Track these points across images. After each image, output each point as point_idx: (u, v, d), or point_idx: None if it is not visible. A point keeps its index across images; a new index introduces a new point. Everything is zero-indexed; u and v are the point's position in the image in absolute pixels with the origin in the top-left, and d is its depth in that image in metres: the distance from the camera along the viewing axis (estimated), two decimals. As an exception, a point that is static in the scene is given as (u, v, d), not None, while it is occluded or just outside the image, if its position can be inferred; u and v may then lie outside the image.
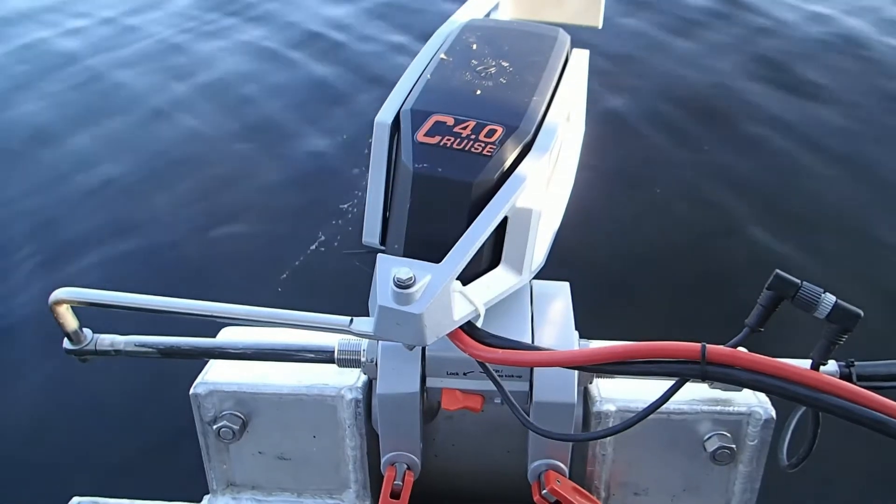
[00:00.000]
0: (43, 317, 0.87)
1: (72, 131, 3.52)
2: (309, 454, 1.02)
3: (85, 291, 0.84)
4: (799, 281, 0.67)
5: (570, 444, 0.93)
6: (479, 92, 0.81)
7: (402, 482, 0.91)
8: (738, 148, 3.33)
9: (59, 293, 0.84)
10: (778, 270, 0.68)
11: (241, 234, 2.90)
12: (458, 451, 1.03)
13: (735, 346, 0.69)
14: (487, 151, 0.74)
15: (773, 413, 0.93)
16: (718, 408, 0.94)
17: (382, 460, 0.93)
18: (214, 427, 0.98)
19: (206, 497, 1.04)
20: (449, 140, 0.75)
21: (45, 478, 1.96)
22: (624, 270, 2.73)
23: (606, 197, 2.97)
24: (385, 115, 0.79)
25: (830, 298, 0.66)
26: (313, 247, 2.77)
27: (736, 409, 0.94)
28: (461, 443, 1.02)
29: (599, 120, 3.36)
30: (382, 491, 0.91)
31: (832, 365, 0.87)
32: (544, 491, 0.90)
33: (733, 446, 0.94)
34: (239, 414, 0.98)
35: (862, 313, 0.66)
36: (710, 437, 0.95)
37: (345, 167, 3.20)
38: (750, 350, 0.68)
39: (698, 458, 0.97)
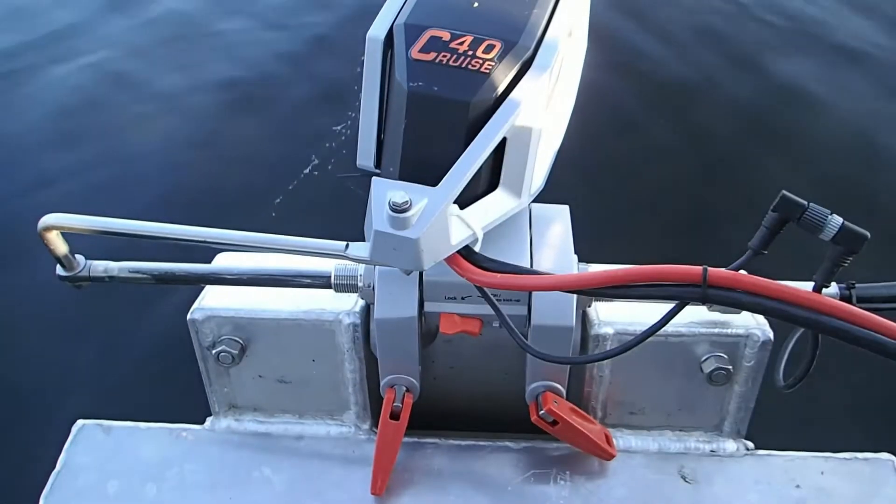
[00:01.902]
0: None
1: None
2: (309, 378, 1.03)
3: (75, 217, 0.82)
4: (805, 202, 0.66)
5: (568, 366, 0.93)
6: (476, 5, 0.76)
7: (402, 404, 0.92)
8: (743, 74, 3.24)
9: (48, 219, 0.82)
10: (784, 192, 0.67)
11: (232, 158, 2.85)
12: (456, 374, 1.04)
13: (737, 269, 0.68)
14: (485, 68, 0.71)
15: (771, 335, 0.94)
16: (716, 330, 0.95)
17: (381, 383, 0.94)
18: (213, 352, 0.98)
19: (209, 419, 1.06)
20: (445, 56, 0.71)
21: (49, 401, 2.00)
22: (627, 193, 2.71)
23: (610, 118, 2.91)
24: (377, 30, 0.75)
25: (837, 220, 0.65)
26: (306, 171, 2.73)
27: (734, 331, 0.94)
28: (460, 366, 1.03)
29: (604, 40, 3.26)
30: (382, 412, 0.92)
31: (832, 287, 0.87)
32: (542, 411, 0.91)
33: (730, 367, 0.95)
34: (237, 339, 0.99)
35: (869, 235, 0.65)
36: (706, 359, 0.96)
37: (336, 86, 3.11)
38: (752, 274, 0.67)
39: (694, 379, 0.98)
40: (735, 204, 2.59)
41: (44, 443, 1.11)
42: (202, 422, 1.06)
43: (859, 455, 0.98)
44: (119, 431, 1.03)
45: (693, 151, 2.88)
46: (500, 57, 0.71)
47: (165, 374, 1.98)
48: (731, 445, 1.01)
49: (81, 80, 3.26)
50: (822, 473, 0.97)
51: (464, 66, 0.71)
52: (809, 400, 1.91)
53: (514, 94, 0.71)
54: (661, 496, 0.94)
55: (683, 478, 0.97)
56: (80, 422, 1.04)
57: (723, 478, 0.97)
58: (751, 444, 1.01)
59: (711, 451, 1.01)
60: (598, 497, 0.94)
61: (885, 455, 0.99)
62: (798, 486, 0.95)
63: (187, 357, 1.02)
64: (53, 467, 0.98)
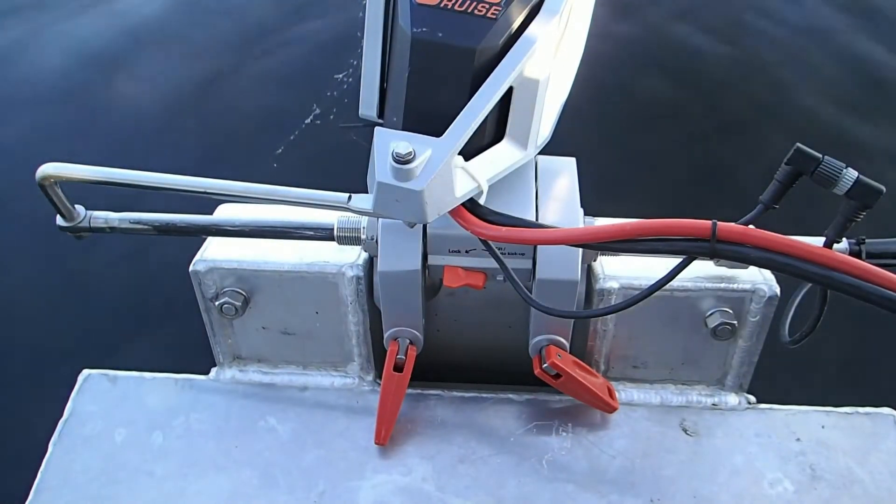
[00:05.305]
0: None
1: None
2: (312, 330, 1.03)
3: (73, 167, 0.81)
4: (820, 155, 0.65)
5: (572, 320, 0.93)
6: None
7: (405, 356, 0.93)
8: (758, 29, 3.14)
9: (47, 168, 0.81)
10: (799, 144, 0.65)
11: (232, 107, 2.80)
12: (460, 327, 1.04)
13: (747, 224, 0.67)
14: (492, 14, 0.68)
15: (778, 290, 0.93)
16: (723, 285, 0.94)
17: (385, 335, 0.94)
18: (217, 303, 0.98)
19: (214, 370, 1.07)
20: (450, 1, 0.69)
21: (55, 352, 2.01)
22: (635, 146, 2.65)
23: (620, 67, 2.84)
24: None
25: (852, 174, 0.64)
26: (308, 120, 2.69)
27: (740, 286, 0.94)
28: (463, 318, 1.03)
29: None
30: (385, 364, 0.93)
31: (842, 243, 0.85)
32: (545, 365, 0.91)
33: (734, 322, 0.95)
34: (240, 290, 0.98)
35: (884, 189, 0.63)
36: (711, 314, 0.96)
37: (339, 33, 3.04)
38: (762, 229, 0.66)
39: (699, 334, 0.98)
40: (746, 159, 2.54)
41: (50, 393, 1.12)
42: (207, 372, 1.06)
43: (860, 409, 0.99)
44: (125, 381, 1.04)
45: (705, 105, 2.82)
46: (508, 1, 0.69)
47: (171, 326, 1.99)
48: (732, 399, 1.02)
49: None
50: (823, 427, 0.97)
51: (469, 10, 0.68)
52: (812, 354, 1.92)
53: (521, 41, 0.69)
54: (662, 448, 0.95)
55: (685, 430, 0.98)
56: (85, 371, 1.05)
57: (724, 431, 0.97)
58: (752, 398, 1.02)
59: (713, 404, 1.01)
60: (600, 448, 0.95)
61: (885, 410, 0.99)
62: (798, 440, 0.96)
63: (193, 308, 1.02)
64: (60, 416, 0.99)
